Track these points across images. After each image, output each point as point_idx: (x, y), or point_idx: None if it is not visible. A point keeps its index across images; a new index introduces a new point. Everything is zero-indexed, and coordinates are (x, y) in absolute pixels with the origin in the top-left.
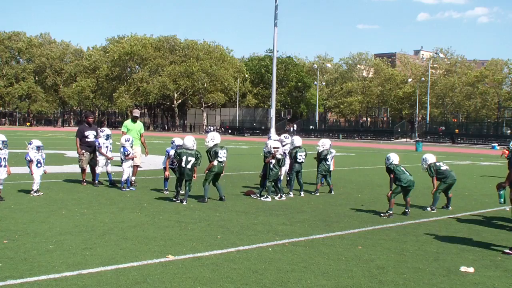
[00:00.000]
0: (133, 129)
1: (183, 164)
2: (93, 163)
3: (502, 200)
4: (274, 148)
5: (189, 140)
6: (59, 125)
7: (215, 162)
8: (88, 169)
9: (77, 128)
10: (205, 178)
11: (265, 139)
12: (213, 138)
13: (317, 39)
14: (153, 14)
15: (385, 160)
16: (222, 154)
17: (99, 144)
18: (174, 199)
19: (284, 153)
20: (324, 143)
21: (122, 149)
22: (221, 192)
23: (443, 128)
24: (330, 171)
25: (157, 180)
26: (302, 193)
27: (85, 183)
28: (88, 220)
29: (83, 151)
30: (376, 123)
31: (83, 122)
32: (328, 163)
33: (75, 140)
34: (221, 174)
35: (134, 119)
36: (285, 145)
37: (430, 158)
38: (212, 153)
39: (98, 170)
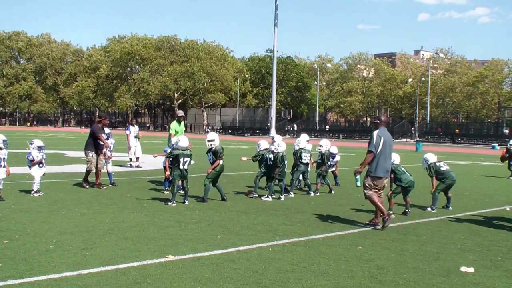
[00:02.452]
0: (180, 131)
1: (181, 166)
2: (100, 165)
3: (359, 183)
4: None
5: (184, 141)
6: (59, 125)
7: (221, 162)
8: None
9: (89, 128)
10: (207, 177)
11: (268, 139)
12: (215, 138)
13: (317, 39)
14: (153, 14)
15: None
16: (223, 154)
17: None
18: (169, 203)
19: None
20: (326, 144)
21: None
22: (222, 192)
23: (441, 128)
24: (334, 171)
25: (157, 180)
26: (311, 192)
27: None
28: (88, 220)
29: (90, 153)
30: None
31: (96, 122)
32: (328, 163)
33: (99, 137)
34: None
35: (180, 120)
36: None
37: (431, 158)
38: (219, 152)
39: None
